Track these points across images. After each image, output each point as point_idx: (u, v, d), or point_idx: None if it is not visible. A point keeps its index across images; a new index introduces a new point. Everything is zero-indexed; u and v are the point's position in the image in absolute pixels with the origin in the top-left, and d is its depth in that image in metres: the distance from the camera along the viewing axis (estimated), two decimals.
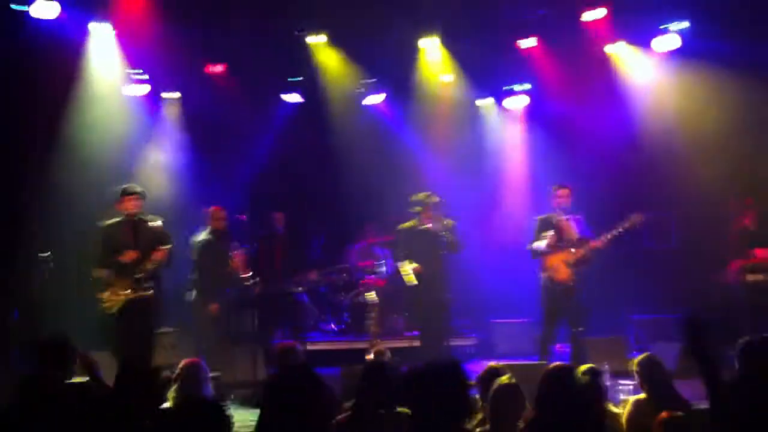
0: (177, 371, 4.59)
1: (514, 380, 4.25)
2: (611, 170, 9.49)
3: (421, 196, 7.54)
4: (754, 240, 8.13)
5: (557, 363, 4.49)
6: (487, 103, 10.50)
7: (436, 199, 7.49)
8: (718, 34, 8.75)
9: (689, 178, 9.08)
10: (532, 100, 10.19)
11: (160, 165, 9.18)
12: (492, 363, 4.92)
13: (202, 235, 7.69)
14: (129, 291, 6.72)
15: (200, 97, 9.28)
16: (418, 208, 7.52)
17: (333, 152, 9.70)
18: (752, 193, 8.38)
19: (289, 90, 9.81)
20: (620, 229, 7.25)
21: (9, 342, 7.38)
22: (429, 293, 7.36)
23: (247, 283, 7.33)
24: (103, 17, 8.51)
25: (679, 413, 4.10)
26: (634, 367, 4.79)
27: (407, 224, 7.65)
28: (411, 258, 7.37)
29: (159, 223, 6.92)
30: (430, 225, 7.46)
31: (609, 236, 7.27)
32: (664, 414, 4.06)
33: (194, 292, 7.58)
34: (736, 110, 8.81)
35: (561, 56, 9.65)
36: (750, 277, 7.99)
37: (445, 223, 7.52)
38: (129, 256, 6.74)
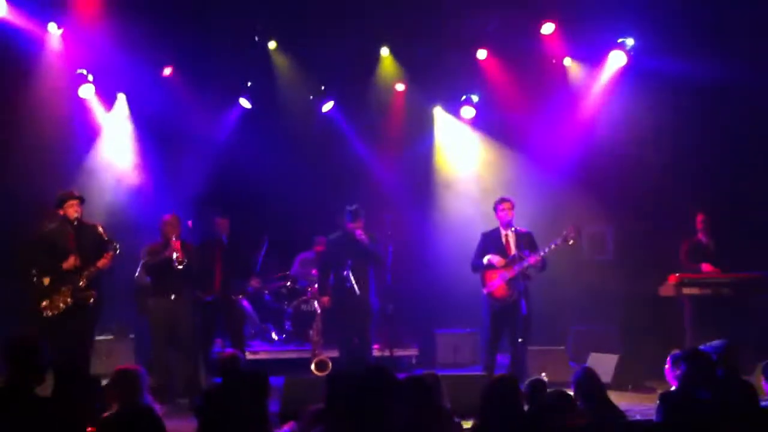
0: (115, 377, 4.53)
1: None
2: (560, 182, 9.61)
3: (349, 207, 7.57)
4: (706, 255, 8.33)
5: (499, 375, 4.52)
6: (440, 112, 10.53)
7: (360, 210, 7.52)
8: (667, 50, 8.92)
9: (631, 192, 9.28)
10: (484, 110, 10.23)
11: (106, 168, 9.11)
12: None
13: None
14: (69, 298, 6.65)
15: (150, 99, 9.19)
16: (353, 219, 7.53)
17: (284, 159, 9.68)
18: (705, 209, 8.52)
19: (242, 94, 9.79)
20: (553, 245, 7.32)
21: None
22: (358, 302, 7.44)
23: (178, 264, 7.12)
24: (52, 17, 8.45)
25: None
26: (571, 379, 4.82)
27: (335, 234, 7.72)
28: (340, 267, 7.41)
29: (100, 228, 6.87)
30: (356, 235, 7.48)
31: (543, 253, 7.33)
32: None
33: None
34: (688, 127, 9.00)
35: (516, 67, 9.76)
36: (686, 291, 8.14)
37: (369, 234, 7.58)
38: (71, 262, 6.66)
